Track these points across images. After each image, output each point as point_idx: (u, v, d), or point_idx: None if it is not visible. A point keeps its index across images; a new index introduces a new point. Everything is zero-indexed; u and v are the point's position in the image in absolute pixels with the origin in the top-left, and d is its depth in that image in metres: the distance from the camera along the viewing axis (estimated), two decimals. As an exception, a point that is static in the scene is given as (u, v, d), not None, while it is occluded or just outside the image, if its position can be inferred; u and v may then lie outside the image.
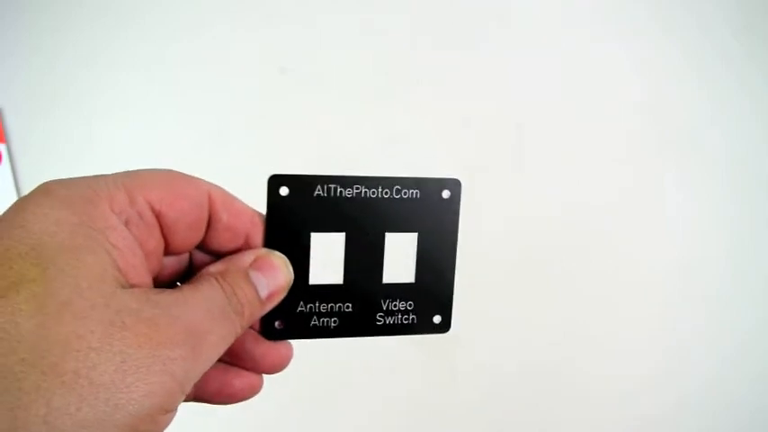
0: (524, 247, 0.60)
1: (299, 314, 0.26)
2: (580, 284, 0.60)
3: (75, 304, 0.17)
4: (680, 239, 0.61)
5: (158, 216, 0.22)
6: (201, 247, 0.25)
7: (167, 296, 0.20)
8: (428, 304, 0.27)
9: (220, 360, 0.24)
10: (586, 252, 0.60)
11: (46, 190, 0.19)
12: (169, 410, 0.19)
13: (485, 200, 0.60)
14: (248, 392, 0.25)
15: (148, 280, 0.21)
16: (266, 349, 0.25)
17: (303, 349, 0.57)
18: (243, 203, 0.25)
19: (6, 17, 0.61)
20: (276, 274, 0.24)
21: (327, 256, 0.27)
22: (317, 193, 0.25)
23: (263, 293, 0.23)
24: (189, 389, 0.20)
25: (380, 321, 0.26)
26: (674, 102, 0.62)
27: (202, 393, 0.24)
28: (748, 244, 0.61)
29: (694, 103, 0.62)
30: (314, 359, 0.58)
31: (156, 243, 0.22)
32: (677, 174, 0.62)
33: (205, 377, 0.23)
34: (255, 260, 0.24)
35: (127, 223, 0.21)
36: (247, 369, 0.25)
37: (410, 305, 0.26)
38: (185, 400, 0.23)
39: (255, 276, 0.23)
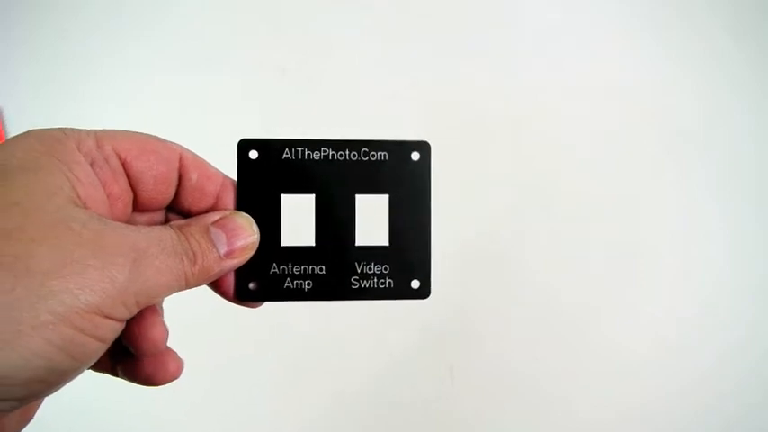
0: (523, 247, 0.60)
1: (273, 276, 0.25)
2: (579, 285, 0.60)
3: (23, 205, 0.18)
4: (680, 240, 0.61)
5: (125, 165, 0.23)
6: (174, 208, 0.25)
7: (119, 222, 0.21)
8: (404, 268, 0.26)
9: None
10: (585, 253, 0.60)
11: (27, 131, 0.21)
12: (108, 316, 0.19)
13: (483, 197, 0.60)
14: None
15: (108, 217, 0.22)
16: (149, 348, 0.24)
17: (305, 350, 0.57)
18: (214, 168, 0.25)
19: (8, 17, 0.61)
20: (238, 232, 0.24)
21: (299, 219, 0.27)
22: (285, 156, 0.26)
23: (222, 250, 0.23)
24: (131, 305, 0.20)
25: (355, 285, 0.26)
26: (674, 102, 0.62)
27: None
28: (748, 245, 0.61)
29: (694, 104, 0.62)
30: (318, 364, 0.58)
31: (120, 190, 0.23)
32: (677, 174, 0.62)
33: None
34: (219, 219, 0.24)
35: (92, 164, 0.22)
36: (131, 356, 0.24)
37: (386, 269, 0.26)
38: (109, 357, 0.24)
39: (216, 233, 0.23)
